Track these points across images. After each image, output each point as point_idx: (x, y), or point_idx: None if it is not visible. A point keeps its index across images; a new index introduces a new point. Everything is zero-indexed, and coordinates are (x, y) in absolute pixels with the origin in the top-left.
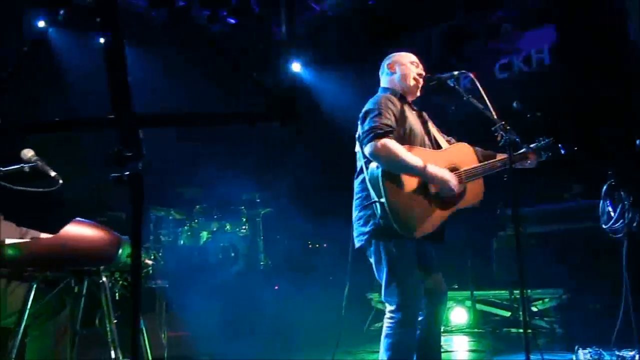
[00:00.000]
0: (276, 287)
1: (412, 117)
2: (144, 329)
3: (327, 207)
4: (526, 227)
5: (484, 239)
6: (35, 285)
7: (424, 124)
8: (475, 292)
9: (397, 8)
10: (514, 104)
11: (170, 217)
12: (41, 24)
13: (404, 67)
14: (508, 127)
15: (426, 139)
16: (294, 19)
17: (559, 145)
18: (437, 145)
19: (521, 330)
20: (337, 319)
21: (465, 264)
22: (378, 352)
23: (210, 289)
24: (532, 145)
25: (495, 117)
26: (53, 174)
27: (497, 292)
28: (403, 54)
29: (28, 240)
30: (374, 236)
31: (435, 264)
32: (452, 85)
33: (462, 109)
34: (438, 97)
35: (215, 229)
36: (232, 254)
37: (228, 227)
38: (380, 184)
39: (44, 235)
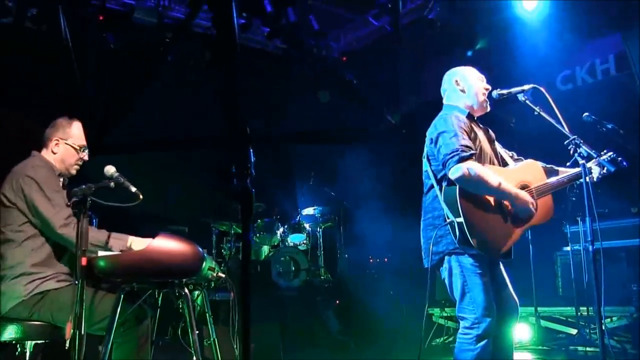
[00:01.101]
0: (337, 302)
1: (481, 136)
2: (216, 339)
3: (388, 222)
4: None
5: (547, 254)
6: (122, 295)
7: (491, 141)
8: (539, 308)
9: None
10: (584, 116)
11: (232, 232)
12: None
13: (472, 83)
14: (581, 141)
15: (493, 156)
16: None
17: (620, 158)
18: (503, 162)
19: (589, 349)
20: (398, 333)
21: (529, 279)
22: None
23: (272, 302)
24: (599, 160)
25: (567, 130)
26: (134, 189)
27: (562, 308)
28: (468, 68)
29: (119, 253)
30: (449, 254)
31: (504, 279)
32: (522, 99)
33: (522, 123)
34: (498, 112)
35: (276, 243)
36: (293, 268)
37: (289, 241)
38: (458, 203)
39: (135, 248)
